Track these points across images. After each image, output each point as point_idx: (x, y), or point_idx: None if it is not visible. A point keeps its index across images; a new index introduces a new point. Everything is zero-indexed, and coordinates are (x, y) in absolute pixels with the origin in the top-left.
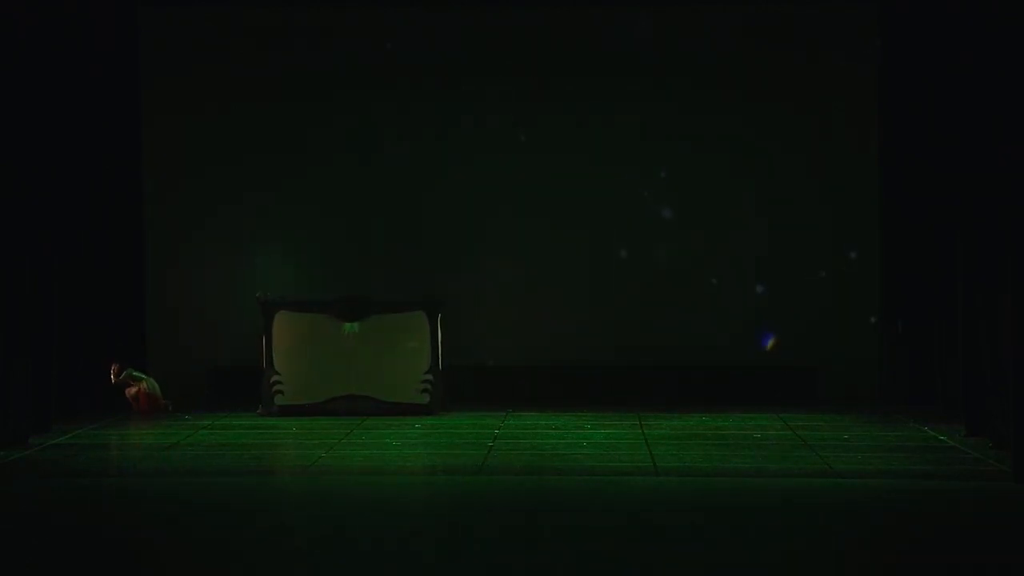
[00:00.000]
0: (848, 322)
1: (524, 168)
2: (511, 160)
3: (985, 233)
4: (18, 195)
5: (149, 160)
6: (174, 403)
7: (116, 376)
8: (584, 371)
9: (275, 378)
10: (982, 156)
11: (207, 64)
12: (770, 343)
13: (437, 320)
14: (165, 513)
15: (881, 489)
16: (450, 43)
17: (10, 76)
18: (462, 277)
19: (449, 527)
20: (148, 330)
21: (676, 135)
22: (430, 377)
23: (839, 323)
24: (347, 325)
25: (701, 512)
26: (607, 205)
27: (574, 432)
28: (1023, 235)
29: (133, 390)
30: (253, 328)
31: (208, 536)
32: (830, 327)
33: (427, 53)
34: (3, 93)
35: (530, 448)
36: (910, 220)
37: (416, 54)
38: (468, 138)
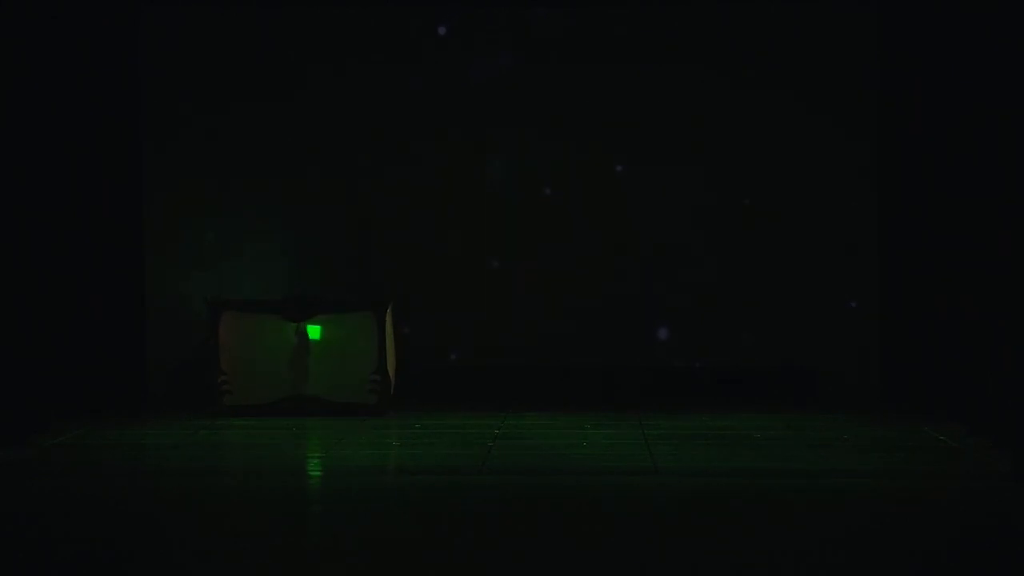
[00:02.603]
0: (849, 321)
1: (518, 168)
2: (505, 160)
3: (985, 230)
4: (18, 192)
5: (151, 161)
6: (176, 402)
7: None
8: (584, 371)
9: (222, 379)
10: (979, 157)
11: (209, 63)
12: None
13: (385, 319)
14: (174, 514)
15: (882, 488)
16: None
17: (9, 75)
18: (459, 276)
19: (450, 525)
20: (149, 328)
21: (676, 131)
22: (377, 377)
23: (840, 322)
24: (294, 325)
25: (701, 511)
26: (601, 201)
27: (574, 432)
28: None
29: None
30: None
31: (219, 534)
32: (830, 327)
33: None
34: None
35: (530, 448)
36: (910, 217)
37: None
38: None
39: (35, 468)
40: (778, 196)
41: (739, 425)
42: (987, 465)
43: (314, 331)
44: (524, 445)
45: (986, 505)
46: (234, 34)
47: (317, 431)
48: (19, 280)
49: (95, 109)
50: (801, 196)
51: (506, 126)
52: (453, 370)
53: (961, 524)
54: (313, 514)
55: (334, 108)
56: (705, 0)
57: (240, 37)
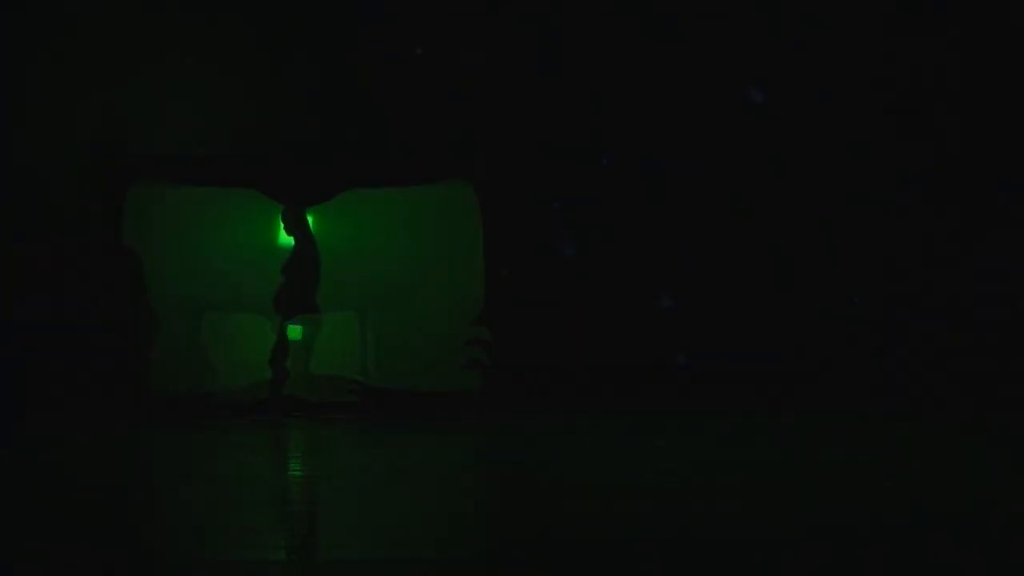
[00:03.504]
0: (850, 321)
1: (514, 169)
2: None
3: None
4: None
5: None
6: (167, 403)
7: None
8: (584, 372)
9: (204, 379)
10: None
11: None
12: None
13: (368, 321)
14: (166, 516)
15: (880, 486)
16: None
17: None
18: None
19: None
20: (142, 329)
21: (674, 129)
22: (360, 378)
23: (840, 322)
24: (277, 325)
25: (696, 508)
26: (597, 200)
27: (574, 432)
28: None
29: None
30: None
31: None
32: (830, 326)
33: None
34: None
35: (530, 448)
36: (908, 220)
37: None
38: None
39: (29, 468)
40: (777, 195)
41: (737, 424)
42: (984, 462)
43: (295, 331)
44: (524, 444)
45: (980, 501)
46: None
47: (300, 432)
48: (15, 282)
49: None
50: (800, 195)
51: (502, 125)
52: (461, 373)
53: (955, 519)
54: (307, 513)
55: (320, 97)
56: None
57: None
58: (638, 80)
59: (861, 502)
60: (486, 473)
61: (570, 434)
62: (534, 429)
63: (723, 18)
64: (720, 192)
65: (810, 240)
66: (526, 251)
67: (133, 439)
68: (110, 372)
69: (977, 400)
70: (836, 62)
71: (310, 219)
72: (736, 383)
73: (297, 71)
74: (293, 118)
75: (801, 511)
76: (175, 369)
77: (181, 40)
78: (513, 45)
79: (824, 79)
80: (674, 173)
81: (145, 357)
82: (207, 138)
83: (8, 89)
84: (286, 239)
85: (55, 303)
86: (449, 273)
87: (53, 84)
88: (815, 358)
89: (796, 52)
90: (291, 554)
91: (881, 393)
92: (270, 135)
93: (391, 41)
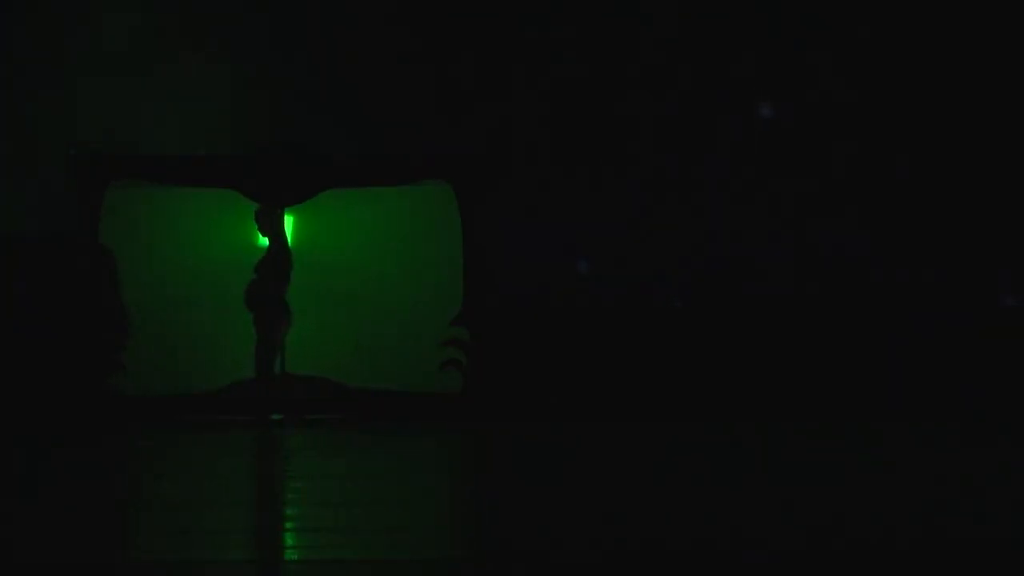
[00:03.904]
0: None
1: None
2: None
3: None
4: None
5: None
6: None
7: None
8: (570, 373)
9: (183, 379)
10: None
11: None
12: None
13: (349, 322)
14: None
15: (879, 484)
16: None
17: None
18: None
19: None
20: (132, 331)
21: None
22: (340, 379)
23: (839, 322)
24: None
25: (700, 508)
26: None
27: (575, 434)
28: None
29: None
30: None
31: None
32: (828, 326)
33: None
34: None
35: (517, 448)
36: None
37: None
38: None
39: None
40: (774, 195)
41: (733, 426)
42: (977, 460)
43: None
44: (529, 445)
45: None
46: None
47: (281, 433)
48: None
49: None
50: (798, 195)
51: (484, 126)
52: (442, 374)
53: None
54: (297, 515)
55: (302, 98)
56: None
57: None
58: (629, 80)
59: (862, 503)
60: (472, 472)
61: (556, 434)
62: (518, 429)
63: (723, 18)
64: (710, 193)
65: (809, 240)
66: (506, 252)
67: (113, 440)
68: (86, 371)
69: (976, 400)
70: (835, 63)
71: (291, 219)
72: (734, 384)
73: (278, 72)
74: (275, 119)
75: (800, 512)
76: (153, 369)
77: (164, 41)
78: (505, 45)
79: (823, 80)
80: (664, 174)
81: (121, 357)
82: (186, 139)
83: None
84: (265, 239)
85: (32, 302)
86: (429, 274)
87: (32, 85)
88: (814, 359)
89: (795, 52)
90: (286, 554)
91: (881, 393)
92: (250, 136)
93: (376, 42)
